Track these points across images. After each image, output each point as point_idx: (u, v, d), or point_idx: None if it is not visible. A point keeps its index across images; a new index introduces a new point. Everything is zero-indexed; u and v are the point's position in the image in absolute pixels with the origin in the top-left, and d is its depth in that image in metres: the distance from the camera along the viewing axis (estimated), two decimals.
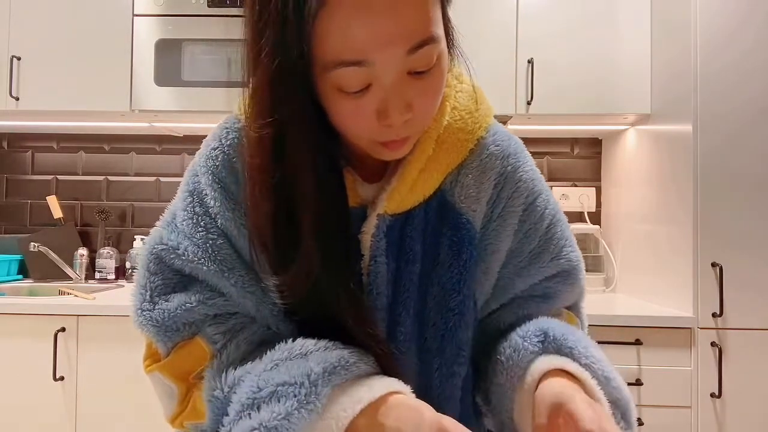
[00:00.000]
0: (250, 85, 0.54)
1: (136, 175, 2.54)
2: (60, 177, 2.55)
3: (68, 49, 2.09)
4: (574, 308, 0.75)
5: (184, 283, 0.62)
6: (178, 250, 0.61)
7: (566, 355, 0.60)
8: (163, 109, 2.06)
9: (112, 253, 2.38)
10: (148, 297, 0.61)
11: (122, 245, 2.48)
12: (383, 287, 0.63)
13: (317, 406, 0.50)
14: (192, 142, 2.49)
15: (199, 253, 0.61)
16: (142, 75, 2.06)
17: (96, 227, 2.48)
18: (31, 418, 1.82)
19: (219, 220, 0.62)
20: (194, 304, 0.60)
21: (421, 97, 0.54)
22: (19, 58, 2.09)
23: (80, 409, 1.80)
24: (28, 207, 2.54)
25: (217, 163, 0.63)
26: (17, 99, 2.09)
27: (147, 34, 2.06)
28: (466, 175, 0.65)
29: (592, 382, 0.58)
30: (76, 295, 1.93)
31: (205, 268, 0.61)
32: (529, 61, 2.00)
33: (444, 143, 0.64)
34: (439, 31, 0.53)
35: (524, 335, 0.64)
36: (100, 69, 2.08)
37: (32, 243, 2.24)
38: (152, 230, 0.65)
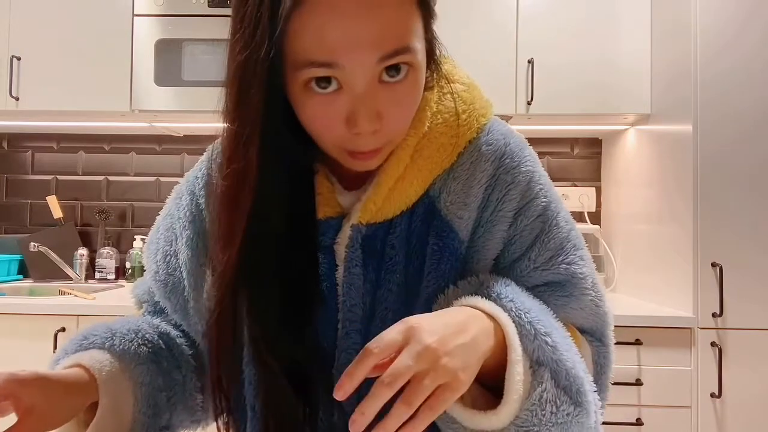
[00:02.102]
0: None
1: (136, 175, 2.54)
2: (60, 177, 2.55)
3: (68, 49, 2.09)
4: (595, 335, 0.66)
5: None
6: (149, 255, 0.73)
7: (493, 300, 0.55)
8: (163, 109, 2.06)
9: (112, 253, 2.38)
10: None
11: (122, 245, 2.48)
12: (358, 299, 0.61)
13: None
14: (192, 142, 2.49)
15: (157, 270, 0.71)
16: (142, 75, 2.06)
17: (96, 227, 2.48)
18: None
19: (181, 251, 0.69)
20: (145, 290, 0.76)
21: (392, 107, 0.53)
22: (19, 58, 2.09)
23: None
24: (28, 207, 2.54)
25: (198, 174, 0.69)
26: (17, 99, 2.09)
27: (147, 34, 2.06)
28: (454, 180, 0.61)
29: (504, 320, 0.53)
30: (76, 295, 1.93)
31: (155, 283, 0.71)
32: (529, 62, 2.00)
33: (424, 150, 0.61)
34: (416, 43, 0.52)
35: (460, 285, 0.60)
36: (100, 69, 2.08)
37: (32, 243, 2.24)
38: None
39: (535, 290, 0.62)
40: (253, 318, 0.58)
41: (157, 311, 0.73)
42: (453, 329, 0.48)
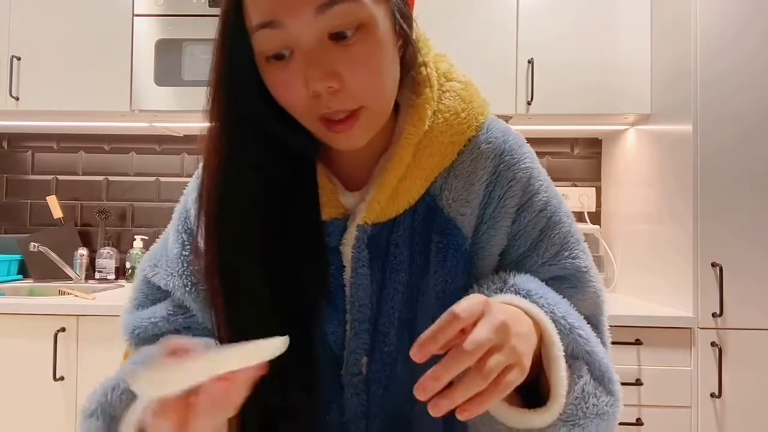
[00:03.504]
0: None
1: (136, 175, 2.53)
2: (60, 177, 2.55)
3: (68, 49, 2.09)
4: (592, 321, 0.67)
5: (161, 297, 0.68)
6: (157, 267, 0.67)
7: (524, 297, 0.56)
8: (163, 109, 2.06)
9: (112, 253, 2.38)
10: (129, 307, 0.69)
11: (122, 245, 2.48)
12: (366, 299, 0.61)
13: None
14: (192, 142, 2.49)
15: (170, 269, 0.66)
16: (142, 75, 2.06)
17: (96, 227, 2.48)
18: (31, 418, 1.81)
19: (198, 238, 0.65)
20: (158, 319, 0.65)
21: (350, 68, 0.52)
22: (19, 58, 2.08)
23: (80, 409, 1.80)
24: (28, 207, 2.54)
25: (194, 186, 0.67)
26: (17, 99, 2.09)
27: (147, 34, 2.06)
28: (455, 178, 0.62)
29: (542, 317, 0.53)
30: (76, 295, 1.93)
31: (172, 284, 0.65)
32: (529, 62, 2.00)
33: (426, 148, 0.61)
34: None
35: (484, 283, 0.61)
36: (100, 69, 2.08)
37: (32, 243, 2.24)
38: (151, 246, 0.72)
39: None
40: (239, 319, 0.57)
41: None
42: (513, 316, 0.48)
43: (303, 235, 0.60)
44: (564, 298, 0.61)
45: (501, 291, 0.58)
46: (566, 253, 0.63)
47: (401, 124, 0.61)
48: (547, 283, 0.62)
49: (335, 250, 0.62)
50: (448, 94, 0.63)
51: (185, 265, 0.65)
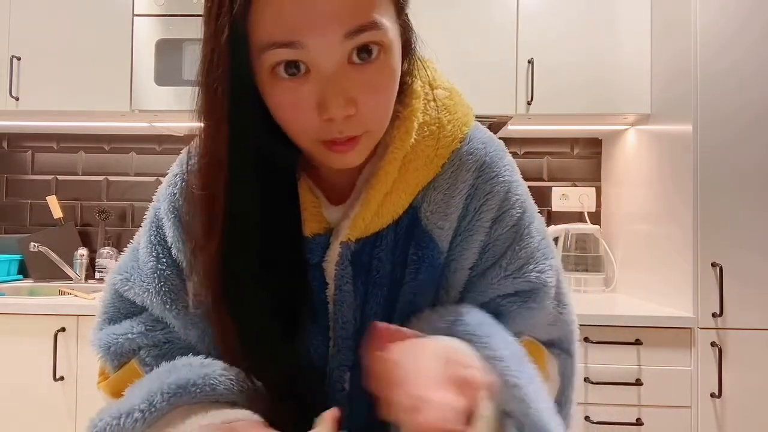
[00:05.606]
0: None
1: (136, 175, 2.54)
2: (60, 177, 2.55)
3: (68, 49, 2.09)
4: (563, 347, 0.66)
5: (135, 311, 0.65)
6: (129, 281, 0.65)
7: (467, 341, 0.54)
8: (164, 108, 2.06)
9: (112, 253, 2.38)
10: (100, 321, 0.66)
11: (122, 245, 2.47)
12: (350, 315, 0.60)
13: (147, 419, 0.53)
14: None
15: (145, 284, 0.63)
16: (142, 75, 2.06)
17: (96, 227, 2.49)
18: (31, 418, 1.81)
19: (173, 250, 0.63)
20: (135, 335, 0.63)
21: (365, 93, 0.50)
22: (19, 58, 2.09)
23: (80, 409, 1.80)
24: (28, 207, 2.54)
25: (175, 191, 0.63)
26: (17, 99, 2.09)
27: (147, 34, 2.06)
28: (435, 190, 0.61)
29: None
30: (76, 295, 1.94)
31: (148, 300, 0.63)
32: (529, 62, 2.00)
33: (411, 162, 0.59)
34: (385, 21, 0.49)
35: (439, 311, 0.59)
36: (100, 69, 2.08)
37: (32, 243, 2.24)
38: (121, 255, 0.69)
39: (506, 299, 0.62)
40: (246, 338, 0.56)
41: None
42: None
43: (285, 251, 0.58)
44: (524, 317, 0.61)
45: (452, 324, 0.57)
46: (530, 267, 0.62)
47: (386, 137, 0.59)
48: (509, 299, 0.62)
49: (317, 266, 0.60)
50: (433, 103, 0.61)
51: (162, 281, 0.63)
